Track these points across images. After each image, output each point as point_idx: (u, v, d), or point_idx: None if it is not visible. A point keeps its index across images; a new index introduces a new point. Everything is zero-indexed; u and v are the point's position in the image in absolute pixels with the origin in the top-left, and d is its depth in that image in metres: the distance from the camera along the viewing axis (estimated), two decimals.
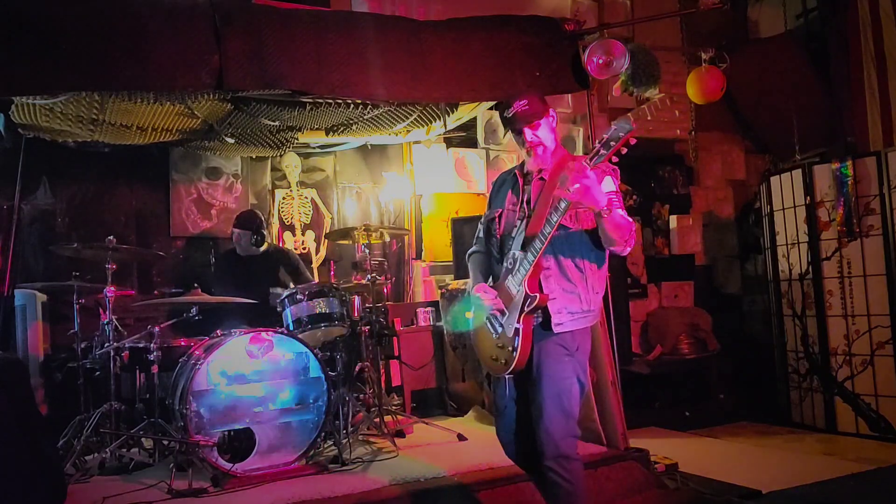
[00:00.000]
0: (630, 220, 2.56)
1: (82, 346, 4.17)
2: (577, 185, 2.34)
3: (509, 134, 2.81)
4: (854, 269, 5.14)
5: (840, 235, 5.19)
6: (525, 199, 2.71)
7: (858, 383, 5.10)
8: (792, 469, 4.23)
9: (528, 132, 2.66)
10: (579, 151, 5.92)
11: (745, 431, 5.40)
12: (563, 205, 2.43)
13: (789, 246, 5.60)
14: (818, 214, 5.33)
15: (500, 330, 2.65)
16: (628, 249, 2.58)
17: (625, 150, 2.36)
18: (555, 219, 2.46)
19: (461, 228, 5.43)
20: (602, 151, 2.37)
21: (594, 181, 2.37)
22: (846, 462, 4.40)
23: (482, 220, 2.94)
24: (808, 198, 5.37)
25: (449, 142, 5.93)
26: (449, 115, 4.77)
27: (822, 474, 4.09)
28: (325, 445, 4.06)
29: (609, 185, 2.55)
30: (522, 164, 2.81)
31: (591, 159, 2.39)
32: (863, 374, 5.07)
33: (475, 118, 5.37)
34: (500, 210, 2.80)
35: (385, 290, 5.32)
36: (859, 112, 5.71)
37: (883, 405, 4.97)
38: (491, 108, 5.01)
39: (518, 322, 2.55)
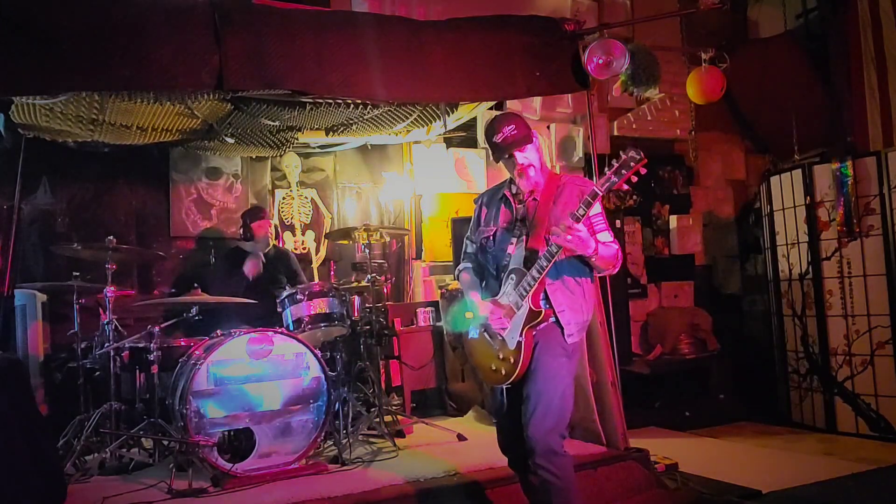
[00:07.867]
0: (614, 246, 2.73)
1: (82, 346, 4.17)
2: (569, 238, 2.51)
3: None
4: (854, 269, 5.14)
5: (840, 235, 5.19)
6: (520, 218, 2.81)
7: (858, 383, 5.10)
8: (792, 469, 4.23)
9: (518, 155, 2.76)
10: (579, 152, 5.91)
11: (745, 431, 5.40)
12: (555, 248, 2.58)
13: (789, 246, 5.60)
14: (818, 214, 5.33)
15: (501, 343, 2.72)
16: (616, 271, 2.79)
17: (635, 179, 2.51)
18: (555, 249, 2.58)
19: (461, 228, 5.38)
20: (613, 178, 2.51)
21: (585, 235, 2.56)
22: (846, 462, 4.40)
23: (471, 236, 3.03)
24: (808, 198, 5.37)
25: (449, 142, 5.93)
26: (449, 115, 4.76)
27: (822, 474, 4.09)
28: (325, 445, 4.07)
29: (595, 207, 2.70)
30: (509, 184, 2.90)
31: (602, 185, 2.52)
32: (863, 374, 5.07)
33: (475, 118, 5.36)
34: (495, 228, 2.87)
35: (385, 291, 5.32)
36: (859, 112, 5.71)
37: (883, 405, 4.97)
38: (491, 108, 5.01)
39: (521, 335, 2.66)
